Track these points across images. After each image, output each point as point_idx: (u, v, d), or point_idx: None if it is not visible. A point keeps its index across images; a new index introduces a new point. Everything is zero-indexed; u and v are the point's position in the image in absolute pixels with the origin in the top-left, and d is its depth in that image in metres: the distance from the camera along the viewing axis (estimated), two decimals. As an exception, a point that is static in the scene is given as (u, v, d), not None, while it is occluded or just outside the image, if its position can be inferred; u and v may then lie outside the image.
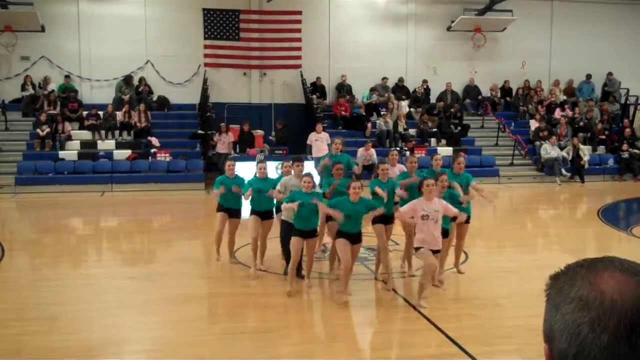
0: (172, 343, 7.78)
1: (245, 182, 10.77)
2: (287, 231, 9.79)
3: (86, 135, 22.60)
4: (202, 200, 19.80)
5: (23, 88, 23.32)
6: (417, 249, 8.82)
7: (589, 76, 27.20)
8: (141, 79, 24.21)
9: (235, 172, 11.13)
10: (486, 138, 25.01)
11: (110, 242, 14.16)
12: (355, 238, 8.97)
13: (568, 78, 27.49)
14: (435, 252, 8.68)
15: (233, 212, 10.98)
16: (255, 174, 10.78)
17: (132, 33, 24.01)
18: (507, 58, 26.75)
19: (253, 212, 10.56)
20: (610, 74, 27.03)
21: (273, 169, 20.66)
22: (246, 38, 24.84)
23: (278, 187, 10.26)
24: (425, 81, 25.99)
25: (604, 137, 25.17)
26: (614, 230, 15.11)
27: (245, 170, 13.18)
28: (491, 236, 14.21)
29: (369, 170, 21.05)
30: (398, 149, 23.34)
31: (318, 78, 24.99)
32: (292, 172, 10.36)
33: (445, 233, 9.25)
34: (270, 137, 23.46)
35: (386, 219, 9.72)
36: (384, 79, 25.55)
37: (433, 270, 8.78)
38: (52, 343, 7.47)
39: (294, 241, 9.32)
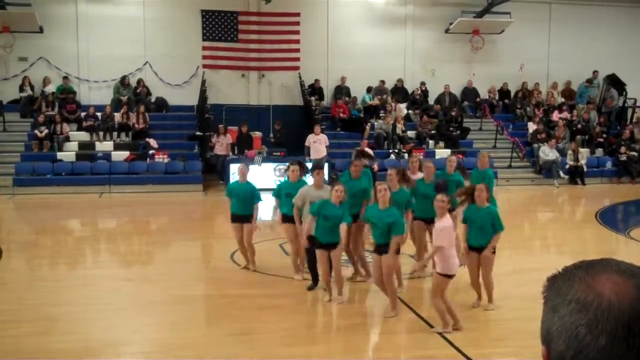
0: (169, 344, 7.78)
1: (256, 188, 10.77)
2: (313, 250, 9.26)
3: (84, 136, 22.58)
4: (200, 202, 19.81)
5: (21, 89, 23.29)
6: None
7: (589, 81, 27.22)
8: (139, 81, 24.20)
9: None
10: (484, 140, 25.01)
11: (108, 244, 14.15)
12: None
13: (566, 80, 27.52)
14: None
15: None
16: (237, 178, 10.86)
17: (131, 34, 23.99)
18: (505, 60, 26.76)
19: (233, 216, 10.63)
20: (595, 71, 27.17)
21: (271, 170, 20.75)
22: (244, 39, 24.82)
23: (295, 199, 9.64)
24: (423, 83, 26.01)
25: (601, 139, 25.19)
26: (611, 232, 15.13)
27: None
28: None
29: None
30: (396, 151, 23.37)
31: (317, 80, 24.98)
32: (312, 180, 9.94)
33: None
34: (269, 139, 23.46)
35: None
36: (381, 82, 25.55)
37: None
38: (49, 344, 7.46)
39: (319, 254, 8.96)
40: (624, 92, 27.06)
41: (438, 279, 7.84)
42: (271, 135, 23.74)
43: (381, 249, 8.29)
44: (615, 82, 26.94)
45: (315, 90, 25.00)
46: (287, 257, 11.39)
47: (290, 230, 10.08)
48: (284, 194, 10.16)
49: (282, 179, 11.66)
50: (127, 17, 24.07)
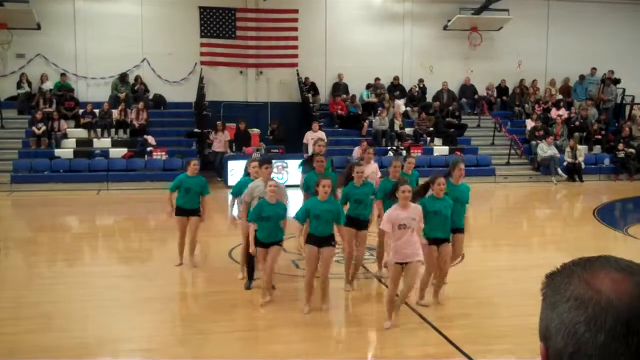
0: (167, 342, 7.78)
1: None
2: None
3: (82, 133, 22.56)
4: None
5: (19, 86, 23.27)
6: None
7: (581, 77, 27.27)
8: (137, 77, 24.18)
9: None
10: (482, 137, 25.03)
11: (105, 241, 14.14)
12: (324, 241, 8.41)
13: (564, 77, 27.54)
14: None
15: None
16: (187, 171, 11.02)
17: (128, 31, 23.96)
18: (503, 57, 26.77)
19: (179, 209, 10.80)
20: (594, 69, 27.24)
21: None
22: (242, 36, 24.81)
23: (244, 195, 9.53)
24: (421, 80, 26.01)
25: (599, 136, 25.21)
26: (609, 229, 15.14)
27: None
28: (487, 235, 14.20)
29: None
30: (394, 147, 23.37)
31: (306, 78, 24.92)
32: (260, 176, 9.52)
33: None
34: (267, 136, 23.45)
35: (360, 224, 9.50)
36: (377, 79, 25.53)
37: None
38: (47, 342, 7.46)
39: (259, 253, 8.77)
40: (622, 90, 27.09)
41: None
42: (269, 132, 23.73)
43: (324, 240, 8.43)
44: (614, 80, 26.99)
45: (309, 86, 24.94)
46: (284, 254, 11.39)
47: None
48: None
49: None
50: (124, 14, 24.04)
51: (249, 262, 9.49)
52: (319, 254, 8.37)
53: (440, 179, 8.65)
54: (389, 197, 8.73)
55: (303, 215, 8.42)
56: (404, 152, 23.25)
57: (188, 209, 10.80)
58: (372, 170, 11.44)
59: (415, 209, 8.07)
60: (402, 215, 7.87)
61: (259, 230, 8.63)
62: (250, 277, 9.55)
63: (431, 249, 8.59)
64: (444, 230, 8.66)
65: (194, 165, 11.08)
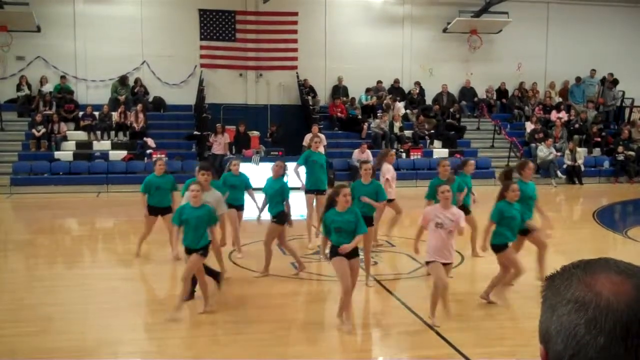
0: (166, 344, 7.77)
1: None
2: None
3: (82, 135, 22.58)
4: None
5: (18, 88, 23.29)
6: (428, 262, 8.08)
7: (578, 79, 27.29)
8: (137, 80, 24.20)
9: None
10: (482, 140, 25.05)
11: (105, 243, 14.13)
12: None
13: (563, 80, 27.57)
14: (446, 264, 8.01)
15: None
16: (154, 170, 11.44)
17: (128, 33, 23.98)
18: (503, 60, 26.79)
19: (151, 208, 11.25)
20: (593, 70, 27.25)
21: (269, 170, 20.71)
22: (242, 39, 24.83)
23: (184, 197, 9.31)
24: (417, 83, 26.02)
25: (599, 139, 25.23)
26: (609, 232, 15.13)
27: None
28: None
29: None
30: (394, 149, 23.38)
31: (305, 80, 24.93)
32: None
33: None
34: (267, 139, 23.47)
35: (367, 221, 9.45)
36: (379, 82, 25.56)
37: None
38: (46, 344, 7.45)
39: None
40: (622, 92, 27.11)
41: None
42: (268, 134, 23.75)
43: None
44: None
45: (308, 88, 24.95)
46: (284, 257, 11.40)
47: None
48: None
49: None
50: (124, 17, 24.06)
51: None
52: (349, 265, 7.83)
53: (514, 185, 8.83)
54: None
55: (325, 230, 7.99)
56: (404, 155, 23.29)
57: (159, 208, 11.20)
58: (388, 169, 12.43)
59: (456, 211, 8.11)
60: (441, 215, 7.91)
61: (184, 235, 8.35)
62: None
63: (511, 251, 8.74)
64: (515, 233, 8.84)
65: (159, 165, 11.50)
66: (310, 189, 12.71)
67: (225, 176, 11.69)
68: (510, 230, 8.67)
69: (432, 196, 10.01)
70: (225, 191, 10.73)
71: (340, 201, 7.79)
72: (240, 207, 11.60)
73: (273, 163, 10.98)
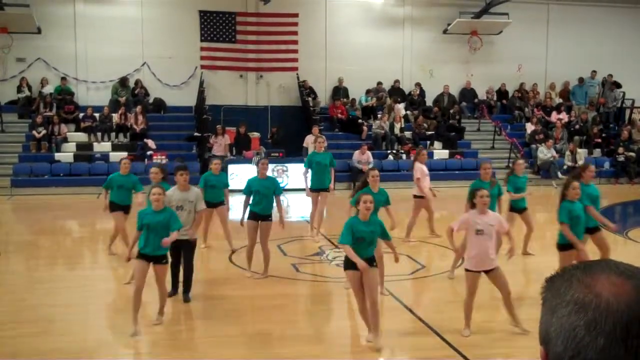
0: (166, 345, 7.78)
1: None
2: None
3: (82, 137, 22.57)
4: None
5: (19, 90, 23.29)
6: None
7: (580, 80, 27.29)
8: (137, 81, 24.20)
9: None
10: (482, 141, 25.04)
11: (105, 244, 14.11)
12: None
13: (564, 81, 27.57)
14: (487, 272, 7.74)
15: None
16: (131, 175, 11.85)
17: (129, 35, 23.98)
18: (503, 61, 26.79)
19: (114, 205, 11.64)
20: (594, 71, 27.26)
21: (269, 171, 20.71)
22: (243, 40, 24.83)
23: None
24: (418, 84, 26.02)
25: (599, 140, 25.22)
26: (609, 233, 15.10)
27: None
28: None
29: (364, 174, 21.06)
30: (394, 151, 23.38)
31: (304, 81, 24.93)
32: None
33: None
34: (267, 140, 23.47)
35: None
36: (379, 83, 25.57)
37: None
38: (47, 345, 7.46)
39: (138, 266, 8.02)
40: (622, 93, 27.11)
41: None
42: (269, 136, 23.75)
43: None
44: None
45: (308, 89, 24.95)
46: (285, 258, 11.41)
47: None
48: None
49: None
50: (125, 18, 24.07)
51: (172, 271, 9.28)
52: (363, 278, 7.41)
53: (575, 182, 8.61)
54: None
55: (347, 239, 7.44)
56: (404, 156, 23.28)
57: (121, 205, 11.61)
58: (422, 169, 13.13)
59: (495, 216, 7.89)
60: (480, 221, 7.63)
61: (144, 241, 7.99)
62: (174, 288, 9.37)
63: (582, 252, 8.36)
64: (580, 233, 8.60)
65: (124, 164, 11.97)
66: (314, 188, 13.06)
67: (205, 176, 11.95)
68: (576, 229, 8.47)
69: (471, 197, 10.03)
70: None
71: (362, 209, 7.44)
72: (220, 203, 12.08)
73: (259, 163, 10.79)
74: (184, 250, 9.16)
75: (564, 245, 8.47)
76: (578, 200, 8.55)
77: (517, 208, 11.79)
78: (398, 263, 7.78)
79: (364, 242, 7.37)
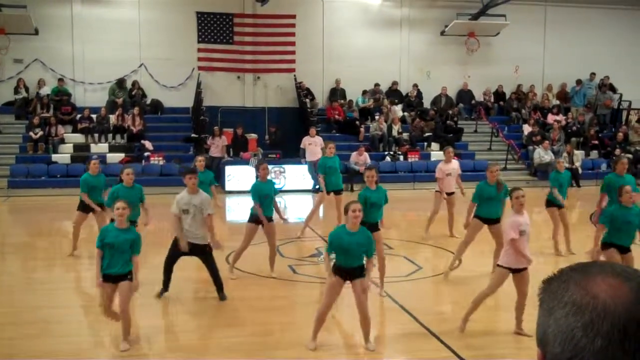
0: (163, 347, 7.78)
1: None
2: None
3: (79, 138, 22.55)
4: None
5: (16, 91, 23.26)
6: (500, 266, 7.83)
7: (578, 82, 27.32)
8: (134, 83, 24.18)
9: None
10: (479, 142, 25.06)
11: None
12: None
13: (561, 83, 27.60)
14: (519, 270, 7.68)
15: None
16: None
17: (126, 36, 23.97)
18: (501, 62, 26.82)
19: (83, 205, 11.93)
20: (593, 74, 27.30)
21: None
22: (240, 42, 24.83)
23: (172, 207, 9.28)
24: (415, 85, 26.04)
25: (596, 141, 25.26)
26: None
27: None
28: (484, 240, 14.18)
29: (363, 175, 21.07)
30: (392, 152, 23.40)
31: (301, 82, 24.93)
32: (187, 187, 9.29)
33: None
34: (264, 141, 23.47)
35: (373, 227, 9.28)
36: (377, 84, 25.58)
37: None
38: (45, 346, 7.45)
39: (105, 288, 7.51)
40: (619, 95, 27.16)
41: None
42: (266, 137, 23.75)
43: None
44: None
45: (304, 90, 24.96)
46: (284, 260, 11.41)
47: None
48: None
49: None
50: (122, 19, 24.05)
51: (166, 270, 9.32)
52: (346, 286, 7.35)
53: (628, 187, 8.45)
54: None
55: (330, 248, 7.42)
56: (401, 157, 23.29)
57: (90, 206, 11.83)
58: (454, 167, 13.71)
59: (527, 215, 7.90)
60: (521, 221, 7.68)
61: (107, 261, 7.39)
62: (165, 287, 9.35)
63: (613, 252, 8.25)
64: (629, 238, 8.40)
65: (94, 165, 12.18)
66: (329, 190, 13.85)
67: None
68: (623, 234, 8.39)
69: (476, 199, 10.53)
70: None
71: (350, 217, 7.24)
72: None
73: (259, 168, 10.74)
74: (199, 256, 9.19)
75: (604, 244, 8.43)
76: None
77: (558, 204, 12.28)
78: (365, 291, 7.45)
79: (349, 254, 7.24)
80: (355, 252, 7.26)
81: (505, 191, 10.40)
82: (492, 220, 10.43)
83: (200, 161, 12.54)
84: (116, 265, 7.34)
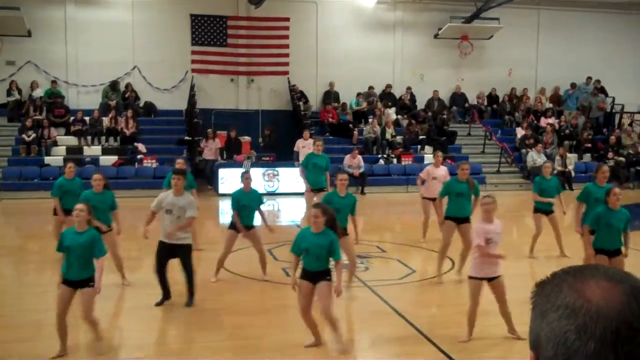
0: (157, 350, 7.75)
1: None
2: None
3: (72, 141, 22.50)
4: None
5: (9, 93, 23.20)
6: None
7: (573, 85, 27.40)
8: (128, 85, 24.15)
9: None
10: (473, 146, 25.10)
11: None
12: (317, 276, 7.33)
13: (554, 86, 27.68)
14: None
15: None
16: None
17: (119, 39, 23.94)
18: (494, 66, 26.89)
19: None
20: (590, 78, 27.36)
21: (260, 175, 20.73)
22: (234, 44, 24.83)
23: (153, 205, 9.31)
24: (409, 88, 26.08)
25: (589, 145, 25.33)
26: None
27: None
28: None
29: (357, 178, 21.09)
30: (385, 155, 23.42)
31: (294, 85, 24.94)
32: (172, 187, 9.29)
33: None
34: (258, 144, 23.47)
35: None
36: (371, 87, 25.61)
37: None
38: (37, 350, 7.42)
39: (60, 294, 7.18)
40: (612, 99, 27.24)
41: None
42: (260, 140, 23.74)
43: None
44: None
45: (298, 93, 24.98)
46: (276, 263, 11.39)
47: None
48: None
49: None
50: (115, 22, 24.02)
51: (160, 278, 9.22)
52: (314, 289, 7.33)
53: (616, 189, 8.38)
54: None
55: (295, 249, 7.44)
56: (395, 160, 23.32)
57: (69, 210, 11.08)
58: (441, 173, 13.41)
59: (498, 223, 7.75)
60: (490, 229, 7.57)
61: (67, 266, 7.15)
62: (165, 294, 9.29)
63: (600, 258, 8.05)
64: (615, 242, 8.27)
65: (69, 169, 11.98)
66: (312, 189, 13.56)
67: (170, 175, 11.69)
68: (606, 238, 8.32)
69: (444, 193, 10.82)
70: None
71: (311, 221, 7.32)
72: None
73: (243, 178, 10.72)
74: (179, 256, 9.11)
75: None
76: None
77: (544, 210, 12.34)
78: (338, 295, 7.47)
79: (311, 255, 7.25)
80: (315, 252, 7.24)
81: (476, 190, 10.47)
82: (461, 220, 10.43)
83: (179, 163, 12.63)
84: (75, 270, 7.10)
